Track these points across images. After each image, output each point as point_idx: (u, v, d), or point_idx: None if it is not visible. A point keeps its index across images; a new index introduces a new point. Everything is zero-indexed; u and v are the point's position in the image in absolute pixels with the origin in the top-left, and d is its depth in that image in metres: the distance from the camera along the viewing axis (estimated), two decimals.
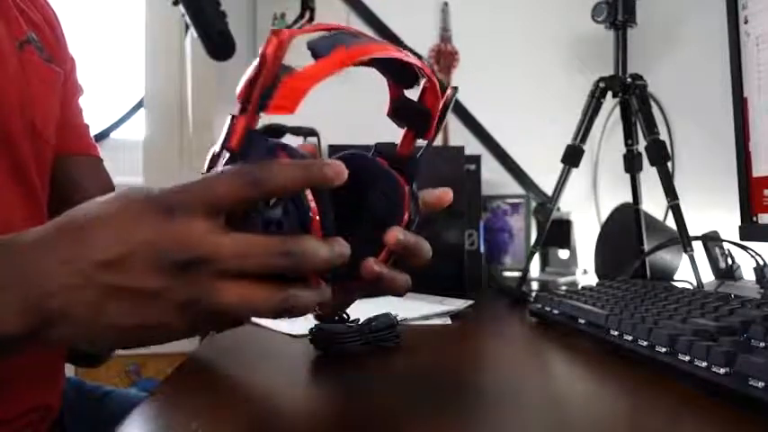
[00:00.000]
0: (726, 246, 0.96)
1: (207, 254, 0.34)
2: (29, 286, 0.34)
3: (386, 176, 0.47)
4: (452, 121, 1.63)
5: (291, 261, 0.35)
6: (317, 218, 0.38)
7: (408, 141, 0.49)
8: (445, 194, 0.49)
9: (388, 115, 0.49)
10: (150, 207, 0.35)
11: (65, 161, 0.72)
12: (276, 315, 0.37)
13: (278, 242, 0.35)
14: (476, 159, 1.18)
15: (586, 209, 1.61)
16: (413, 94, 0.49)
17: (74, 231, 0.35)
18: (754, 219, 0.77)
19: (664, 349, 0.48)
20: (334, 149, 1.35)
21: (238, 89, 0.39)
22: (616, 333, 0.55)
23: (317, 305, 0.39)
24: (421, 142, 0.49)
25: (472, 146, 1.58)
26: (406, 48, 0.46)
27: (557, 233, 1.34)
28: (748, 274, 0.91)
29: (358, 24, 1.63)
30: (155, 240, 0.34)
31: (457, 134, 1.63)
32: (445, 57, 1.66)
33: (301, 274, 0.37)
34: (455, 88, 0.47)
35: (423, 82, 0.47)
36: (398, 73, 0.47)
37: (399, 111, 0.49)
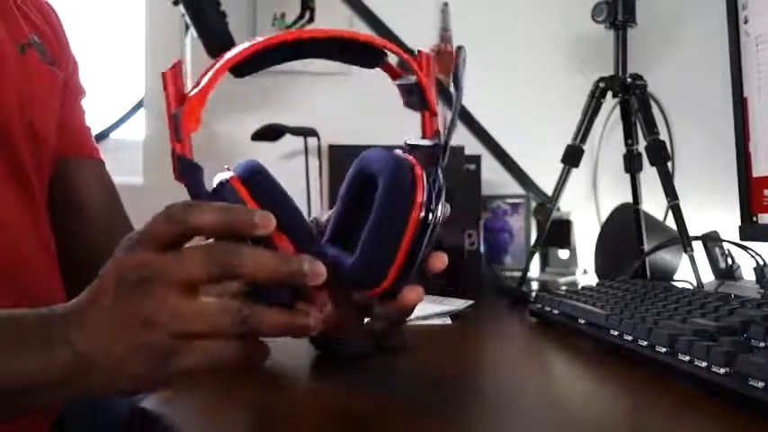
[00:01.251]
0: (726, 246, 0.96)
1: (151, 270, 0.36)
2: (73, 350, 0.37)
3: (390, 164, 0.45)
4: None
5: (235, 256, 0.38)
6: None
7: (427, 124, 0.48)
8: (439, 260, 0.47)
9: (404, 106, 0.49)
10: (122, 248, 0.39)
11: (66, 163, 0.72)
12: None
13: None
14: (476, 159, 1.18)
15: (586, 209, 1.61)
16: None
17: (96, 306, 0.38)
18: (754, 219, 0.77)
19: (664, 349, 0.48)
20: (334, 149, 1.35)
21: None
22: (616, 333, 0.55)
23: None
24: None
25: (472, 146, 1.57)
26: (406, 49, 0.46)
27: (557, 233, 1.34)
28: (748, 274, 0.91)
29: (358, 25, 1.63)
30: (110, 269, 0.38)
31: (457, 134, 1.63)
32: (445, 57, 1.66)
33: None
34: (459, 47, 0.46)
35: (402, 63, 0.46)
36: (357, 57, 0.46)
37: (405, 96, 0.48)
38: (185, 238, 0.38)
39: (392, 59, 0.47)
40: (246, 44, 0.41)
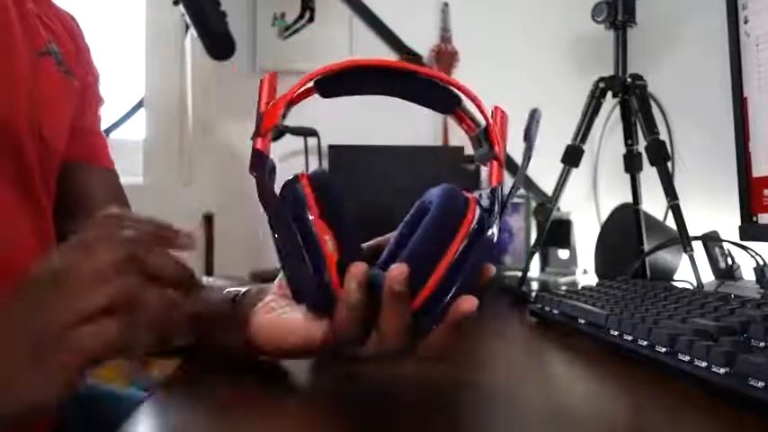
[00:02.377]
0: (726, 246, 0.96)
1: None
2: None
3: (446, 190, 0.44)
4: (452, 121, 1.63)
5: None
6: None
7: (494, 174, 0.47)
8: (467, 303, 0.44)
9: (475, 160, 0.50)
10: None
11: (73, 168, 0.72)
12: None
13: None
14: None
15: (586, 209, 1.61)
16: None
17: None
18: (754, 219, 0.77)
19: (664, 349, 0.48)
20: (334, 149, 1.35)
21: None
22: (616, 333, 0.55)
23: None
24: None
25: None
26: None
27: (557, 233, 1.34)
28: (748, 274, 0.91)
29: (359, 25, 1.63)
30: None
31: (457, 134, 1.63)
32: (445, 57, 1.66)
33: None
34: (534, 110, 0.47)
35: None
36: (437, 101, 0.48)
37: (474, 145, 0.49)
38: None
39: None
40: (339, 61, 0.44)
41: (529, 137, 0.46)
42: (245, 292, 0.51)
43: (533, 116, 0.46)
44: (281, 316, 0.46)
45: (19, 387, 0.36)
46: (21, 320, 0.37)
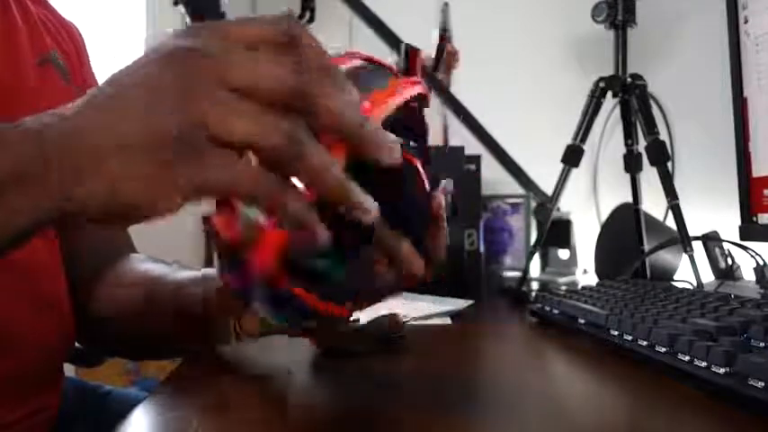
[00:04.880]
0: (726, 246, 0.96)
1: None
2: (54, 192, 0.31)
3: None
4: (452, 120, 1.63)
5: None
6: None
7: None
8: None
9: None
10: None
11: None
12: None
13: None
14: (476, 159, 1.18)
15: (586, 209, 1.61)
16: None
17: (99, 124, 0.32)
18: (754, 219, 0.77)
19: (663, 349, 0.48)
20: None
21: None
22: (616, 333, 0.56)
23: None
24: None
25: (472, 146, 1.57)
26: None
27: (557, 233, 1.34)
28: (748, 274, 0.91)
29: (359, 25, 1.63)
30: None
31: (457, 134, 1.63)
32: (446, 57, 1.66)
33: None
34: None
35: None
36: None
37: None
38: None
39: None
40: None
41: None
42: None
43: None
44: None
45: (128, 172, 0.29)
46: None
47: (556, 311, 0.69)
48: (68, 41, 0.71)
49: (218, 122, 0.30)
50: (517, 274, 1.04)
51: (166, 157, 0.30)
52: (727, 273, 0.96)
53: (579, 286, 0.81)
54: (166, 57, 0.32)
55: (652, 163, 0.93)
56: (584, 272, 1.39)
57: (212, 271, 0.54)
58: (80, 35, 0.76)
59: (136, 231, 0.60)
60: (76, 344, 0.72)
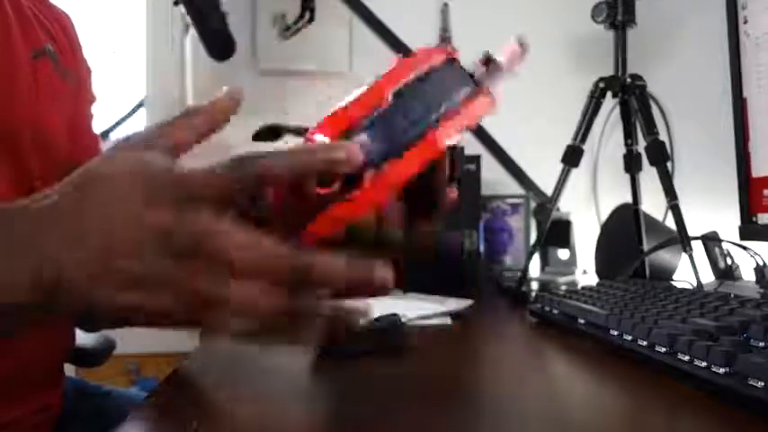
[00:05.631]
0: (725, 246, 0.96)
1: (214, 243, 0.33)
2: (40, 257, 0.33)
3: None
4: None
5: (295, 274, 0.34)
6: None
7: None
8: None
9: None
10: (161, 191, 0.34)
11: (70, 170, 0.72)
12: (272, 326, 0.34)
13: (286, 251, 0.34)
14: (476, 159, 1.18)
15: (586, 209, 1.61)
16: None
17: (82, 208, 0.34)
18: (754, 219, 0.77)
19: (663, 349, 0.48)
20: None
21: None
22: (616, 333, 0.56)
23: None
24: None
25: (472, 146, 1.57)
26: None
27: (557, 233, 1.34)
28: (748, 274, 0.91)
29: (359, 25, 1.63)
30: (163, 227, 0.33)
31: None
32: None
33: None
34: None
35: None
36: None
37: None
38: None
39: None
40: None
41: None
42: None
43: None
44: None
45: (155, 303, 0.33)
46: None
47: (556, 311, 0.70)
48: (61, 33, 0.71)
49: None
50: (517, 274, 1.04)
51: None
52: (726, 273, 0.96)
53: (579, 286, 0.81)
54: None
55: (652, 163, 0.93)
56: (584, 272, 1.39)
57: None
58: (72, 25, 0.75)
59: None
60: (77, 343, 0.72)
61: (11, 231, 0.34)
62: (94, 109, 0.78)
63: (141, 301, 0.33)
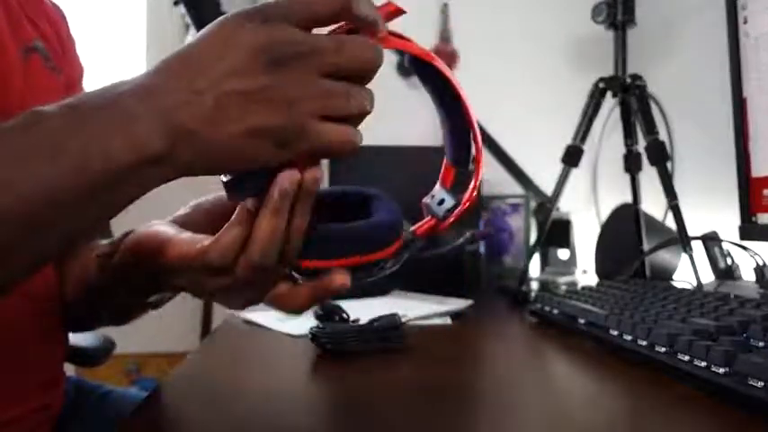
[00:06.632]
0: (725, 246, 0.96)
1: (307, 48, 0.37)
2: (160, 111, 0.37)
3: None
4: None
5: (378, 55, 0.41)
6: None
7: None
8: None
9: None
10: (247, 19, 0.38)
11: None
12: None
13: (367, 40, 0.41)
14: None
15: (586, 209, 1.61)
16: None
17: (184, 59, 0.39)
18: (754, 219, 0.77)
19: (663, 349, 0.48)
20: None
21: None
22: (616, 333, 0.56)
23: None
24: None
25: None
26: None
27: (556, 233, 1.34)
28: (748, 274, 0.91)
29: None
30: (255, 42, 0.36)
31: None
32: (445, 57, 1.66)
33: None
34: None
35: None
36: None
37: None
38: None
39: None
40: None
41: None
42: None
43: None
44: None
45: (245, 153, 0.37)
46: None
47: (556, 311, 0.70)
48: (51, 29, 0.70)
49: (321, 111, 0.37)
50: (517, 273, 1.04)
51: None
52: (726, 273, 0.96)
53: (579, 286, 0.81)
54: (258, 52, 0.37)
55: (652, 163, 0.93)
56: (584, 272, 1.39)
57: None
58: (63, 17, 0.74)
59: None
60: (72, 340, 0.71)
61: (130, 94, 0.37)
62: None
63: (263, 121, 0.36)
